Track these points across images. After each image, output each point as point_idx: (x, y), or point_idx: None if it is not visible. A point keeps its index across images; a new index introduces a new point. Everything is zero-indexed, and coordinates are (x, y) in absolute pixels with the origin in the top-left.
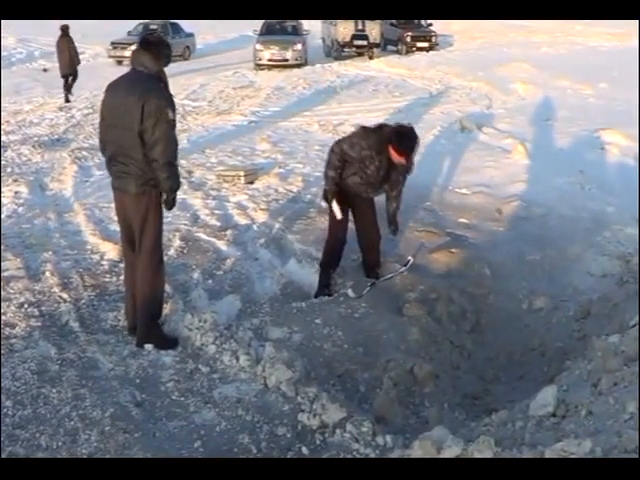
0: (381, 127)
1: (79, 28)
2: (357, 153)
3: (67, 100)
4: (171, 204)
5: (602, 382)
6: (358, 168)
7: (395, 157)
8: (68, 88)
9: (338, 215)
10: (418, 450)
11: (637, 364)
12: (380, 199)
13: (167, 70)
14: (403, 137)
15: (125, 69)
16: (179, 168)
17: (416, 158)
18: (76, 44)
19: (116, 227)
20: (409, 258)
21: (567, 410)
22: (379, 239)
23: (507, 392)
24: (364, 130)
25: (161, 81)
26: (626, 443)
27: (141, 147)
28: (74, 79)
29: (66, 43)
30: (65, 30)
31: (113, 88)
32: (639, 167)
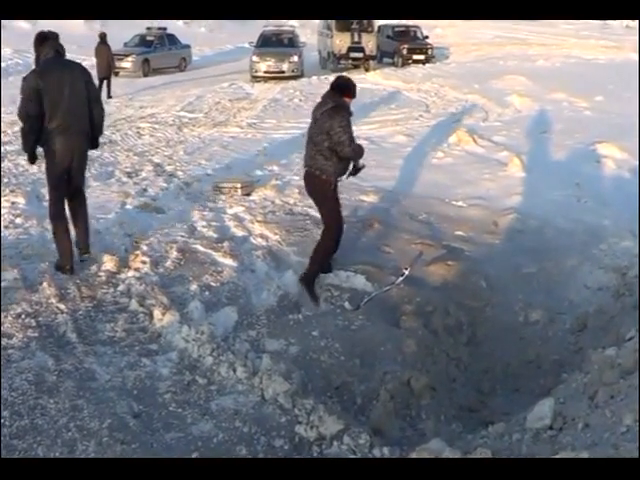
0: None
1: (75, 40)
2: (350, 126)
3: (109, 96)
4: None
5: (599, 395)
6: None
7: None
8: (106, 87)
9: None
10: None
11: (634, 376)
12: None
13: (162, 81)
14: (346, 85)
15: (122, 80)
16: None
17: (415, 169)
18: (73, 55)
19: (113, 238)
20: (404, 270)
21: (564, 422)
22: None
23: (504, 404)
24: (333, 107)
25: None
26: (623, 455)
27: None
28: (109, 82)
29: (104, 49)
30: (103, 38)
31: (51, 71)
32: (639, 181)
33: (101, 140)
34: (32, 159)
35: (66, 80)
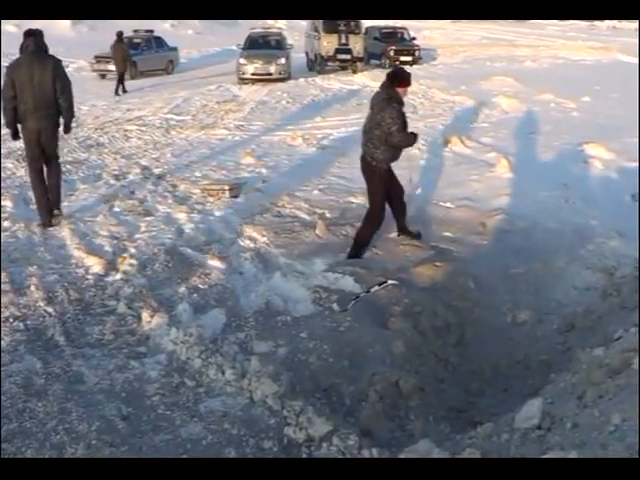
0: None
1: (62, 42)
2: (401, 115)
3: (117, 93)
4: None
5: (587, 394)
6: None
7: (403, 95)
8: (121, 83)
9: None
10: None
11: (622, 376)
12: None
13: (150, 83)
14: (401, 75)
15: (109, 83)
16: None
17: (403, 170)
18: (60, 58)
19: (101, 241)
20: (389, 282)
21: (552, 422)
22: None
23: (492, 405)
24: (384, 98)
25: None
26: (611, 455)
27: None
28: (123, 77)
29: (120, 47)
30: (120, 36)
31: (23, 64)
32: (639, 181)
33: (88, 143)
34: (14, 136)
35: (35, 71)
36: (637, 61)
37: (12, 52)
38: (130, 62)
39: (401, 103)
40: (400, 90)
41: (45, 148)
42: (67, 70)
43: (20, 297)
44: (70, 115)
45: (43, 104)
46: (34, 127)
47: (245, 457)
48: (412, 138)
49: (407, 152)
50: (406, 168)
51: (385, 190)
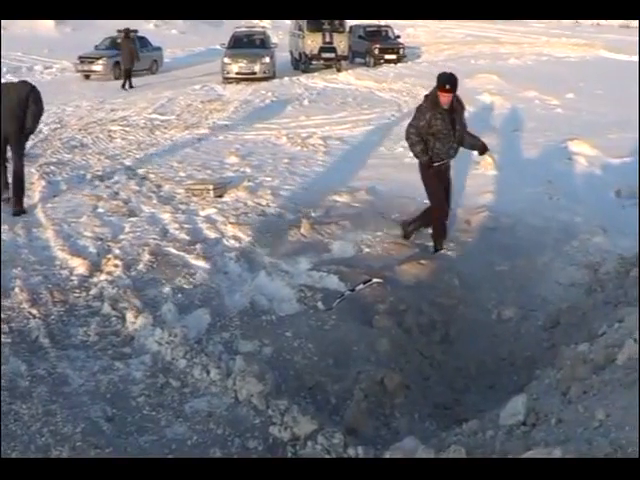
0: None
1: (46, 43)
2: (424, 119)
3: (124, 87)
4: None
5: (572, 390)
6: (432, 133)
7: (443, 98)
8: (128, 78)
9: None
10: None
11: (606, 372)
12: None
13: (134, 84)
14: (439, 79)
15: (93, 83)
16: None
17: (388, 169)
18: (44, 59)
19: (85, 242)
20: (374, 280)
21: (537, 419)
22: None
23: (477, 402)
24: (420, 104)
25: None
26: (596, 451)
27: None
28: (130, 73)
29: (127, 43)
30: (127, 33)
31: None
32: (639, 180)
33: (72, 144)
34: None
35: (8, 97)
36: (621, 57)
37: None
38: (137, 58)
39: (435, 107)
40: (440, 94)
41: (11, 148)
42: (51, 71)
43: (4, 299)
44: (30, 130)
45: (9, 120)
46: (4, 133)
47: (230, 457)
48: (416, 151)
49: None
50: None
51: (439, 185)
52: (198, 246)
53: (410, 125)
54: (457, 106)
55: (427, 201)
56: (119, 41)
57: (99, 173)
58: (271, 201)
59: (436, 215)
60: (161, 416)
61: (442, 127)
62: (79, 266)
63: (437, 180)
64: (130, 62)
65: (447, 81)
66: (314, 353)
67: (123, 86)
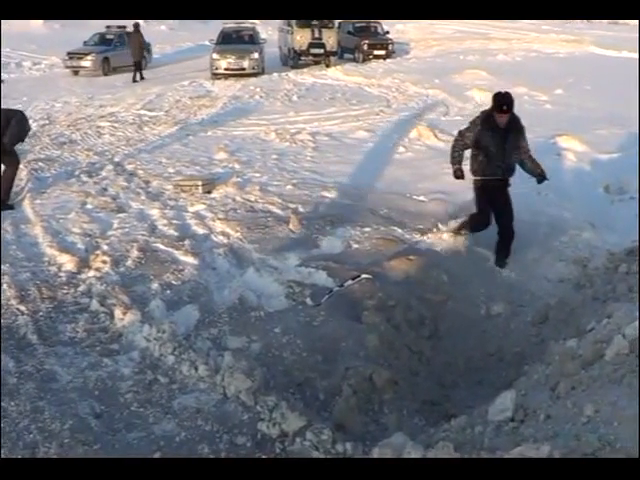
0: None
1: (35, 39)
2: (472, 132)
3: (134, 80)
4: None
5: (560, 386)
6: (479, 147)
7: (499, 119)
8: (139, 70)
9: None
10: (378, 457)
11: (594, 367)
12: None
13: (122, 80)
14: (495, 99)
15: (82, 79)
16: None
17: (377, 164)
18: (32, 55)
19: (73, 238)
20: (362, 276)
21: (525, 414)
22: (511, 219)
23: (466, 397)
24: (476, 116)
25: None
26: (584, 446)
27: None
28: (140, 66)
29: (136, 37)
30: (136, 27)
31: None
32: (639, 177)
33: (61, 140)
34: None
35: None
36: (610, 53)
37: None
38: (146, 51)
39: (487, 123)
40: (496, 115)
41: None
42: (39, 67)
43: None
44: (11, 142)
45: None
46: None
47: (219, 455)
48: (451, 156)
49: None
50: None
51: (482, 196)
52: (187, 242)
53: (459, 132)
54: (513, 126)
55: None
56: (111, 36)
57: (87, 169)
58: (260, 197)
59: (472, 223)
60: (149, 412)
61: (490, 144)
62: (67, 262)
63: (482, 192)
64: (139, 55)
65: (504, 102)
66: (303, 349)
67: (134, 79)
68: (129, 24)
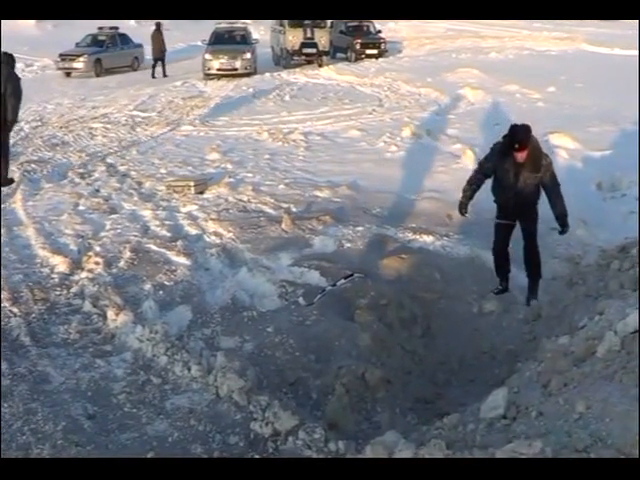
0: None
1: (27, 41)
2: (491, 161)
3: (153, 76)
4: None
5: (552, 383)
6: (498, 178)
7: (517, 157)
8: (162, 67)
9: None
10: (370, 455)
11: (586, 364)
12: None
13: (115, 81)
14: (512, 137)
15: (74, 81)
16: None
17: (369, 164)
18: (24, 56)
19: (66, 239)
20: (355, 275)
21: (518, 412)
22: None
23: (458, 395)
24: (498, 141)
25: None
26: (576, 443)
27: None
28: (163, 63)
29: (158, 36)
30: (158, 26)
31: None
32: (639, 174)
33: (53, 141)
34: None
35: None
36: (602, 51)
37: None
38: (165, 50)
39: (504, 155)
40: (513, 154)
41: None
42: (32, 68)
43: None
44: (12, 116)
45: None
46: None
47: (212, 455)
48: (463, 188)
49: None
50: None
51: (498, 232)
52: (179, 243)
53: (479, 162)
54: (534, 159)
55: None
56: (103, 38)
57: (80, 171)
58: (252, 197)
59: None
60: (142, 413)
61: (503, 175)
62: (60, 264)
63: (499, 228)
64: (160, 53)
65: (516, 141)
66: (295, 348)
67: (153, 75)
68: (122, 25)
